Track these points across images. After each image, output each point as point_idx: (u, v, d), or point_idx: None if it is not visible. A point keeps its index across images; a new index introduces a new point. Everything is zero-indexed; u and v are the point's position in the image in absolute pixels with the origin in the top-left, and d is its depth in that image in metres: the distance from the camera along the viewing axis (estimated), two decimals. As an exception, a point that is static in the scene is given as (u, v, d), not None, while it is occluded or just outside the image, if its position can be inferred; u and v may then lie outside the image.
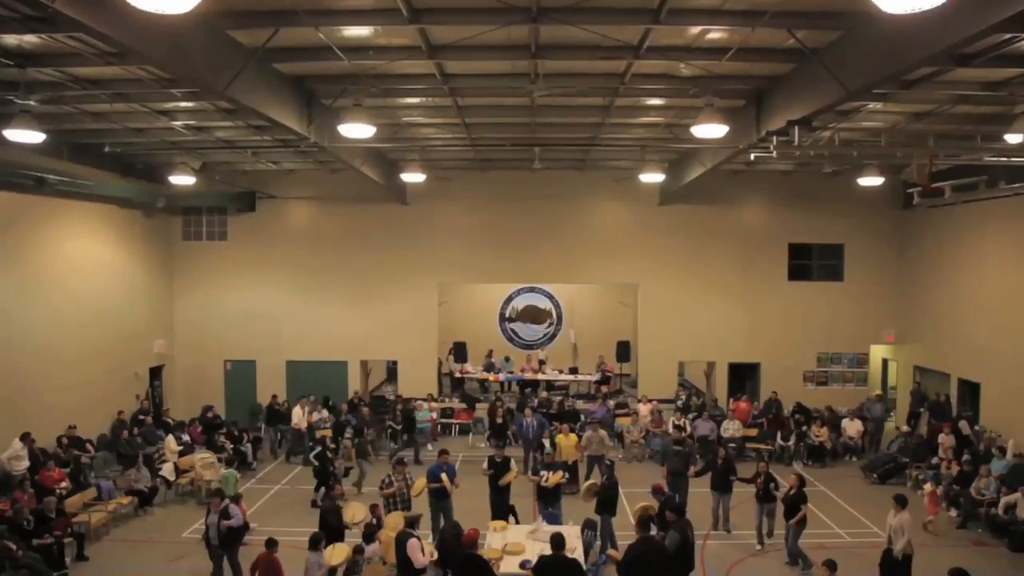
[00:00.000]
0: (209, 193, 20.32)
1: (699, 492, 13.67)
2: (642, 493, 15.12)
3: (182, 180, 16.99)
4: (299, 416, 18.16)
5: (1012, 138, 12.46)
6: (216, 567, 10.97)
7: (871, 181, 16.61)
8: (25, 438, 13.95)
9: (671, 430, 15.17)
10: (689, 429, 18.53)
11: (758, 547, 12.48)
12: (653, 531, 9.66)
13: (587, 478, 15.14)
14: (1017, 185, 14.08)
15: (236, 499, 12.10)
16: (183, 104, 13.21)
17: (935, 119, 13.75)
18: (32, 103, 11.90)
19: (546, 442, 15.43)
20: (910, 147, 14.36)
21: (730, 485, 13.21)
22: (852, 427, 18.48)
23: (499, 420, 15.84)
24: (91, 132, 15.42)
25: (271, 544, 9.82)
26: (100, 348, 17.67)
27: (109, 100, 12.49)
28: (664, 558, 9.07)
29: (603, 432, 15.98)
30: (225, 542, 10.83)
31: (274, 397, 19.72)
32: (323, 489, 13.79)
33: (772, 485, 12.49)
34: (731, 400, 19.94)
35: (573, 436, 15.49)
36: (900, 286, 20.97)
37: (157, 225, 20.44)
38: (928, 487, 13.96)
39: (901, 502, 10.40)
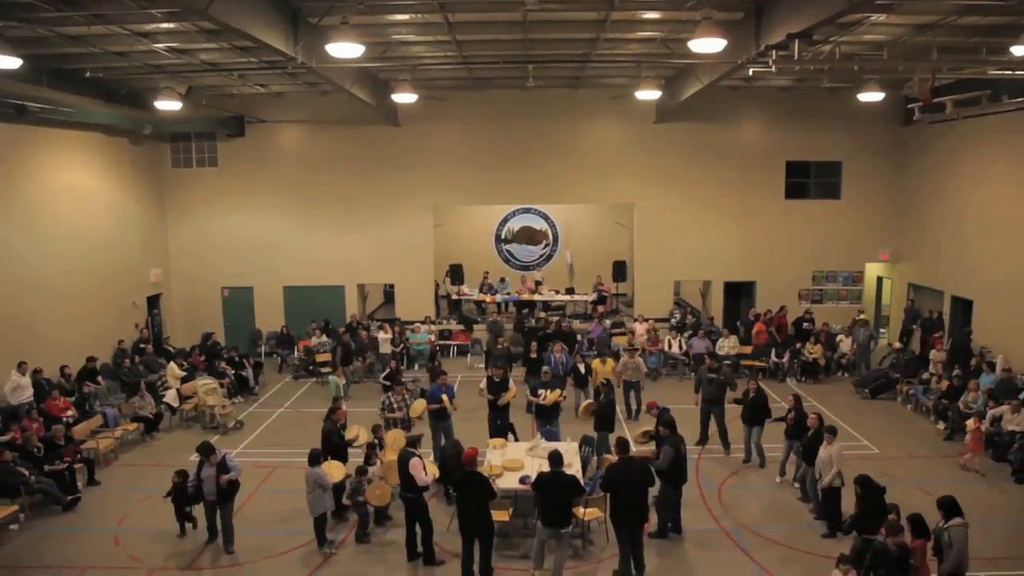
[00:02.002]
0: (196, 118, 19.89)
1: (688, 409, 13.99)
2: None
3: (168, 105, 16.59)
4: (384, 340, 18.75)
5: (1018, 50, 12.12)
6: (210, 523, 10.26)
7: (871, 97, 16.29)
8: (21, 367, 14.05)
9: (707, 358, 14.97)
10: (685, 347, 18.85)
11: (778, 479, 12.15)
12: (633, 451, 9.92)
13: (627, 404, 15.60)
14: (1021, 99, 13.81)
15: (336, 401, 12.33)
16: (164, 25, 12.78)
17: (939, 31, 13.39)
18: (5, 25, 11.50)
19: (581, 367, 15.54)
20: (912, 60, 14.00)
21: (760, 418, 12.69)
22: (846, 344, 18.79)
23: (533, 355, 16.00)
24: (70, 57, 14.94)
25: None
26: (96, 279, 17.65)
27: (86, 22, 12.06)
28: (642, 476, 9.34)
29: (639, 359, 16.03)
30: (224, 496, 10.00)
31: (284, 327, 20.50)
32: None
33: (769, 420, 12.56)
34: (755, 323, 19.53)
35: (610, 361, 15.67)
36: (897, 204, 20.88)
37: (145, 152, 20.10)
38: (972, 423, 12.82)
39: (832, 432, 10.27)
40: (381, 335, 18.99)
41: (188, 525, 10.63)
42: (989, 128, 16.45)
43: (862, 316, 19.30)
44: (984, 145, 17.13)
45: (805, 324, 19.46)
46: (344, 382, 15.94)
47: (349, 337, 19.10)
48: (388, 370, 15.97)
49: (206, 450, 10.08)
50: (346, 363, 17.98)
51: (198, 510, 10.51)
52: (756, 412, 12.60)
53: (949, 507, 8.15)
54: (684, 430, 11.66)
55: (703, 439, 13.80)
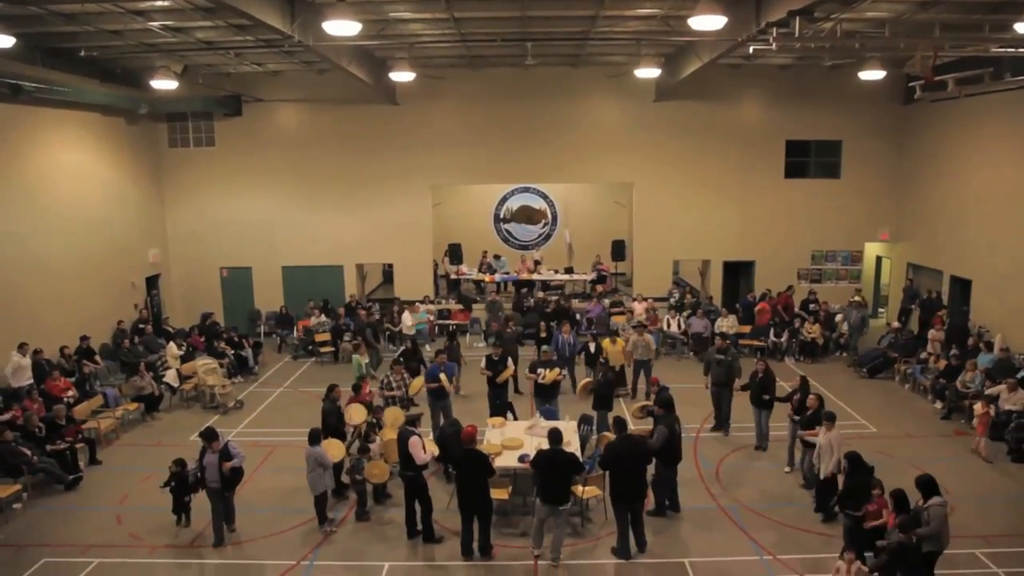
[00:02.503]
0: (193, 98, 19.73)
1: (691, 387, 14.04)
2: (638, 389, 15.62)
3: (164, 85, 16.45)
4: (408, 322, 18.54)
5: (1022, 27, 12.03)
6: (214, 510, 9.97)
7: (872, 75, 16.18)
8: (22, 348, 14.08)
9: (717, 339, 14.76)
10: (684, 326, 18.87)
11: (787, 469, 11.78)
12: (631, 429, 9.96)
13: (634, 383, 15.55)
14: (1023, 77, 13.75)
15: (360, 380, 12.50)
16: (159, 3, 12.64)
17: (941, 8, 13.24)
18: None
19: (591, 346, 15.52)
20: (914, 38, 13.90)
21: (768, 401, 12.39)
22: (844, 324, 18.79)
23: (543, 334, 16.01)
24: (64, 35, 14.78)
25: None
26: (94, 259, 17.62)
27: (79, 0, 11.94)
28: (641, 454, 9.43)
29: (648, 337, 15.76)
30: (229, 483, 9.85)
31: (283, 307, 20.59)
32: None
33: (766, 396, 12.25)
34: (758, 302, 19.49)
35: (620, 341, 15.54)
36: (897, 183, 20.82)
37: (142, 132, 19.98)
38: (980, 407, 12.62)
39: (831, 419, 9.96)
40: (406, 316, 18.72)
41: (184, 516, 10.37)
42: (990, 106, 16.36)
43: (856, 298, 19.16)
44: (985, 124, 17.04)
45: (811, 305, 19.35)
46: (367, 360, 15.79)
47: (348, 316, 19.16)
48: (403, 347, 15.76)
49: (209, 435, 9.92)
50: (372, 342, 17.92)
51: (198, 503, 10.25)
52: (764, 394, 12.33)
53: (927, 486, 8.22)
54: (684, 409, 11.73)
55: (719, 424, 13.58)
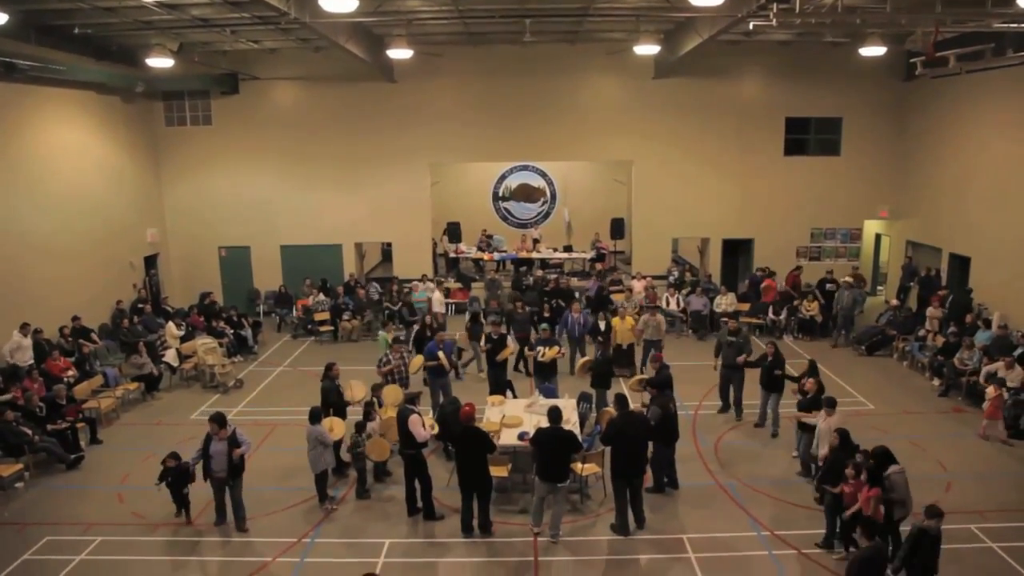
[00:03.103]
0: (189, 76, 19.60)
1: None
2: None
3: (160, 63, 16.34)
4: (439, 301, 18.35)
5: None
6: (219, 502, 9.74)
7: (873, 51, 16.04)
8: (24, 328, 14.09)
9: (727, 320, 14.48)
10: (683, 304, 18.90)
11: (794, 454, 11.36)
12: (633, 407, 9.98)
13: (643, 363, 15.21)
14: (1024, 52, 13.64)
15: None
16: (153, -21, 12.50)
17: (944, -18, 13.11)
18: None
19: (602, 324, 15.39)
20: (916, 13, 13.76)
21: (778, 384, 12.12)
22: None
23: (547, 313, 15.88)
24: (58, 12, 14.61)
25: None
26: (92, 239, 17.57)
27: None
28: (643, 430, 9.51)
29: (660, 317, 15.50)
30: (236, 472, 9.50)
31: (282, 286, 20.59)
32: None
33: (778, 371, 12.01)
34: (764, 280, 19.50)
35: (629, 319, 15.36)
36: (897, 161, 20.73)
37: (138, 111, 19.83)
38: (991, 390, 12.41)
39: (831, 404, 9.88)
40: (436, 295, 18.47)
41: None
42: (991, 83, 16.25)
43: (847, 279, 18.75)
44: (986, 100, 16.94)
45: (828, 285, 19.04)
46: (393, 337, 15.53)
47: (347, 296, 19.18)
48: (420, 326, 15.42)
49: (220, 420, 9.47)
50: (394, 320, 17.93)
51: (200, 496, 9.98)
52: (773, 377, 12.10)
53: (883, 456, 8.45)
54: (683, 388, 11.80)
55: (725, 407, 13.32)
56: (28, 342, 14.05)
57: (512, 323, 15.59)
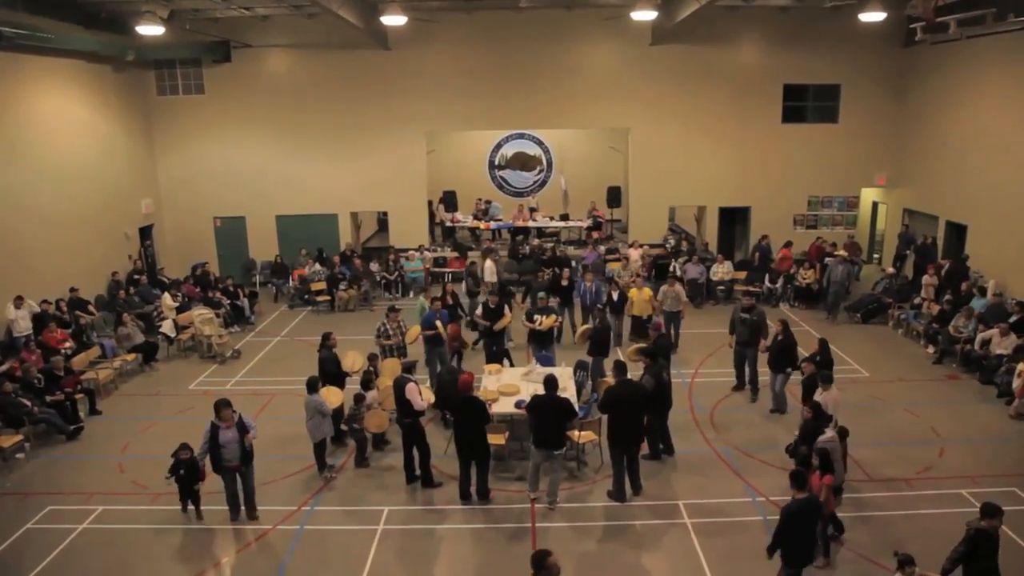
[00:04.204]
0: (180, 44, 19.30)
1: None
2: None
3: (150, 30, 16.08)
4: (491, 271, 17.75)
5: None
6: (231, 493, 9.25)
7: (873, 16, 15.86)
8: (17, 302, 14.05)
9: (743, 297, 14.17)
10: (680, 272, 18.90)
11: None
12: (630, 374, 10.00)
13: (673, 334, 14.80)
14: (1025, 17, 13.50)
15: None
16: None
17: (945, -55, 12.95)
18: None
19: (614, 294, 15.06)
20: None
21: (784, 365, 11.76)
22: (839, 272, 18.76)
23: (564, 283, 15.64)
24: (46, -22, 14.39)
25: None
26: (86, 210, 17.44)
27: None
28: (641, 398, 9.56)
29: (679, 288, 15.22)
30: (248, 458, 9.11)
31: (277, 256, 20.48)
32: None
33: (791, 355, 11.66)
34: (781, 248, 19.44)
35: (647, 290, 15.18)
36: (895, 128, 20.61)
37: (129, 80, 19.57)
38: (1022, 366, 12.09)
39: (827, 380, 9.82)
40: (487, 264, 17.91)
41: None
42: (991, 49, 16.10)
43: (839, 252, 18.50)
44: (985, 67, 16.79)
45: (828, 260, 18.83)
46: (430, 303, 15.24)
47: (343, 265, 19.16)
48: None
49: (225, 404, 8.95)
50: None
51: (204, 492, 9.57)
52: (781, 357, 11.75)
53: (824, 454, 8.25)
54: (681, 355, 11.72)
55: (740, 385, 12.94)
56: (24, 314, 14.04)
57: (530, 292, 15.34)
